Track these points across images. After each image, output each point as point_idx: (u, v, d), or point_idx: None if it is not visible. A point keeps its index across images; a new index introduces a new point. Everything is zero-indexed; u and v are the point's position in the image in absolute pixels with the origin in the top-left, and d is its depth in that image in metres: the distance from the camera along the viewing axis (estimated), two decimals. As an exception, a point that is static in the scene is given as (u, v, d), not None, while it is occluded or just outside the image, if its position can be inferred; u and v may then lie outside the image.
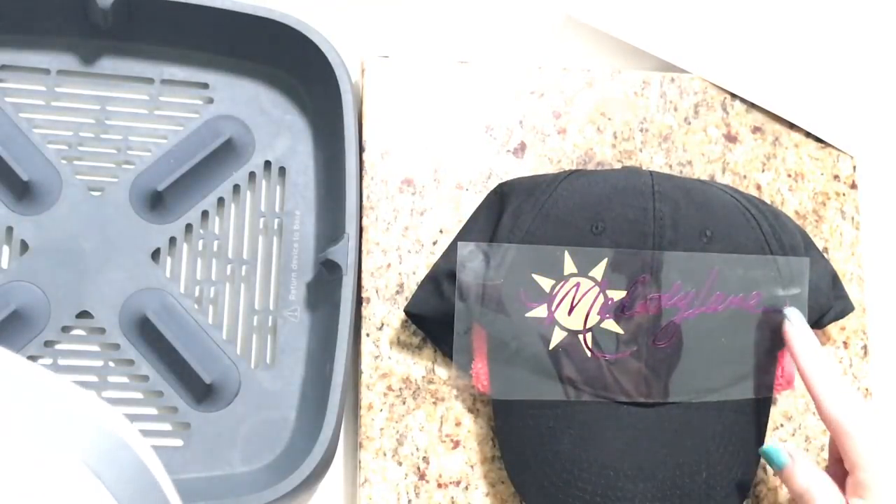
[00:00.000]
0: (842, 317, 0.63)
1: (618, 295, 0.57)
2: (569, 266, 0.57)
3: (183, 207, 0.60)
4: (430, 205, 0.62)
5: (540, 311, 0.57)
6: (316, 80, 0.61)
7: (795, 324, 0.57)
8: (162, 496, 0.33)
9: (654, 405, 0.57)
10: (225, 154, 0.61)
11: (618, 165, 0.64)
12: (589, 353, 0.56)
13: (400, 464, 0.59)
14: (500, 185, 0.61)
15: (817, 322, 0.62)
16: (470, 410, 0.60)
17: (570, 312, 0.57)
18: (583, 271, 0.57)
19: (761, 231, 0.58)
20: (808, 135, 0.67)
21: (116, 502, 0.31)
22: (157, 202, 0.60)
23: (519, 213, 0.58)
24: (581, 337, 0.57)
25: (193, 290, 0.60)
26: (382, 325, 0.60)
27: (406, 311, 0.59)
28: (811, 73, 0.68)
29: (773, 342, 0.58)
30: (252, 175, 0.62)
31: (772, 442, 0.56)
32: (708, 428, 0.57)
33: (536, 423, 0.56)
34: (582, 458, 0.55)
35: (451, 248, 0.59)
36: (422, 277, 0.61)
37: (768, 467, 0.61)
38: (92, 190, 0.60)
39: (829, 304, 0.62)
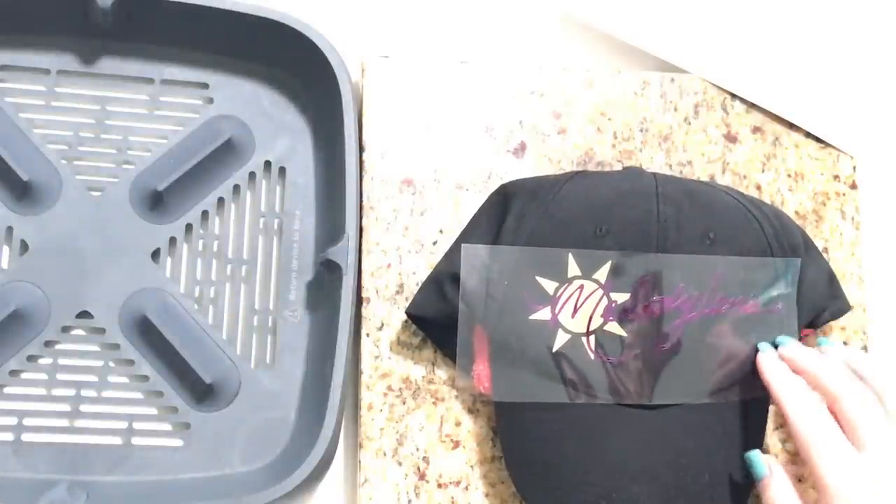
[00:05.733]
0: (838, 317, 0.63)
1: (621, 297, 0.56)
2: (573, 268, 0.57)
3: (183, 207, 0.60)
4: (430, 205, 0.62)
5: (543, 314, 0.57)
6: (316, 80, 0.61)
7: (768, 354, 0.57)
8: None
9: (657, 407, 0.57)
10: (225, 154, 0.61)
11: (618, 165, 0.64)
12: (592, 356, 0.56)
13: (400, 464, 0.59)
14: (503, 186, 0.61)
15: (812, 322, 0.62)
16: (470, 410, 0.60)
17: (573, 315, 0.57)
18: (586, 273, 0.57)
19: (764, 232, 0.59)
20: (808, 135, 0.67)
21: None
22: (157, 202, 0.60)
23: (522, 215, 0.58)
24: (585, 339, 0.57)
25: (193, 290, 0.60)
26: (382, 325, 0.60)
27: (407, 313, 0.59)
28: (811, 73, 0.68)
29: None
30: (252, 175, 0.62)
31: (756, 451, 0.56)
32: (710, 429, 0.57)
33: (540, 426, 0.56)
34: (587, 461, 0.55)
35: (453, 250, 0.59)
36: (422, 278, 0.61)
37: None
38: (92, 190, 0.59)
39: (824, 304, 0.62)
